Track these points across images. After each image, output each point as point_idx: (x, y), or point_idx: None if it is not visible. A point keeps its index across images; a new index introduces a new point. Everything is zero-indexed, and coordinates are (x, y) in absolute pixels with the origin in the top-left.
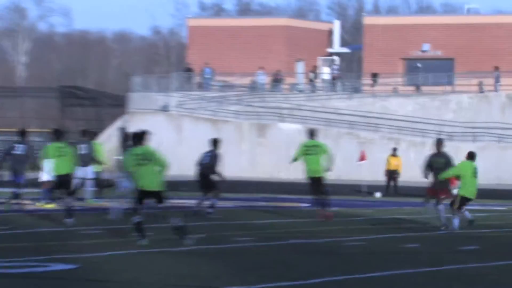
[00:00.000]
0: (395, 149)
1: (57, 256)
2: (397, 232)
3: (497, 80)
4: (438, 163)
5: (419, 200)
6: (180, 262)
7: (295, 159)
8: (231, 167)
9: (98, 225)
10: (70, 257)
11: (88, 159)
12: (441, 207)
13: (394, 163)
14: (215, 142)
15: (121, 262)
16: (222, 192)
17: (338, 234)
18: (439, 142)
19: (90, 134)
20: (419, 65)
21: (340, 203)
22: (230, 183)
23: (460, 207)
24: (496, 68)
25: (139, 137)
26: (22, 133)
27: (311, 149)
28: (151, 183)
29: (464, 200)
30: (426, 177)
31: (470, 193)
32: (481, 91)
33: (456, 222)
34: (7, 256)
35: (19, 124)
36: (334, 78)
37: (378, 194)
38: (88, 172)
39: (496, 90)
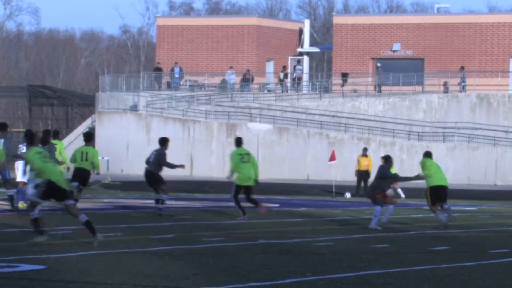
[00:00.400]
0: (365, 149)
1: (27, 256)
2: (367, 233)
3: (463, 80)
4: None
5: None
6: (149, 263)
7: (233, 172)
8: (201, 166)
9: (67, 225)
10: (39, 258)
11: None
12: (390, 207)
13: (364, 163)
14: (162, 141)
15: (90, 263)
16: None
17: (308, 234)
18: (390, 160)
19: (54, 134)
20: (378, 64)
21: (310, 203)
22: (199, 183)
23: (442, 202)
24: (462, 68)
25: (31, 137)
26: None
27: (244, 157)
28: (60, 178)
29: (436, 191)
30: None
31: (439, 180)
32: (445, 91)
33: (441, 216)
34: None
35: None
36: (298, 79)
37: (348, 195)
38: None
39: (462, 90)
